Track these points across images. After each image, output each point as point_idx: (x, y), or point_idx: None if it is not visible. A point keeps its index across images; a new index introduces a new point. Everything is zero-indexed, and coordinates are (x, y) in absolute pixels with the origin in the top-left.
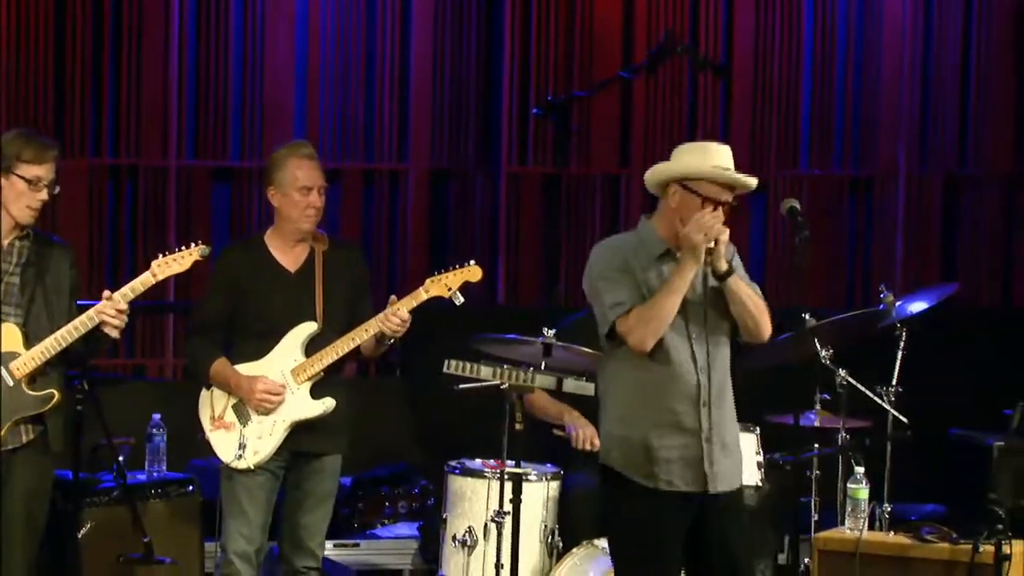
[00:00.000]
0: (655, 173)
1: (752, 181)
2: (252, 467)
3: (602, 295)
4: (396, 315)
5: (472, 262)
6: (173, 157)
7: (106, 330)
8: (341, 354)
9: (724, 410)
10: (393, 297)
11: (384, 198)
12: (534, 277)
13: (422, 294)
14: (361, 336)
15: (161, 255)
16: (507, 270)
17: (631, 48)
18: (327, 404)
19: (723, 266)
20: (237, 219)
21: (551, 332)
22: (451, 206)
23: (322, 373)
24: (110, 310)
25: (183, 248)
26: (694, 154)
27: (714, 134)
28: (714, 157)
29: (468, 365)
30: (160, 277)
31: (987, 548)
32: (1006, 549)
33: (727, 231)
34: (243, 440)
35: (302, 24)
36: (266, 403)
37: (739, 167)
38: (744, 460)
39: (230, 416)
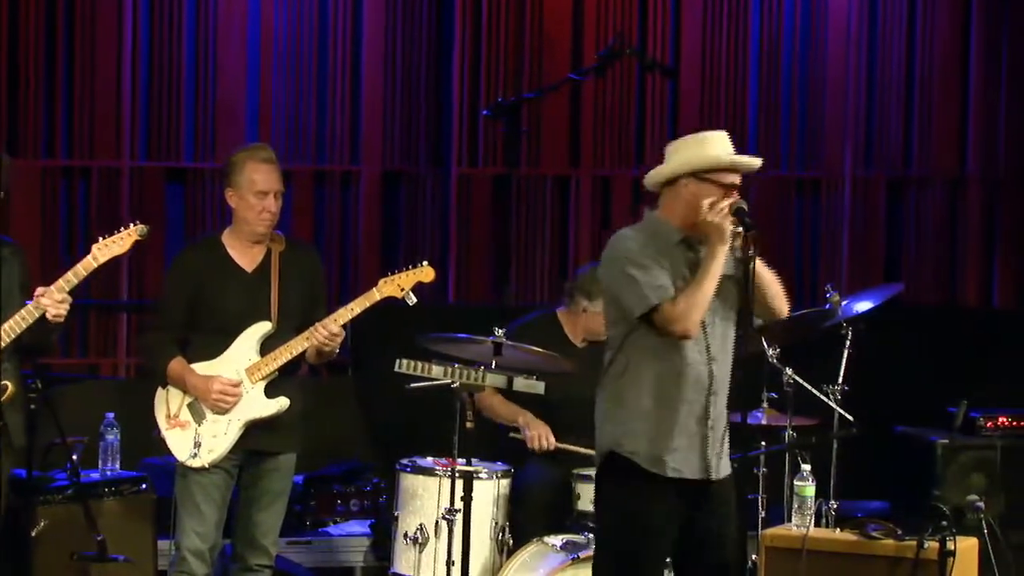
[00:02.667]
0: (664, 171)
1: (757, 162)
2: (207, 466)
3: (637, 279)
4: (325, 328)
5: (425, 263)
6: (126, 158)
7: (50, 317)
8: (295, 354)
9: (725, 399)
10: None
11: (336, 199)
12: (485, 277)
13: (375, 295)
14: (308, 340)
15: (101, 238)
16: (458, 270)
17: (580, 50)
18: (281, 403)
19: (752, 252)
20: (191, 219)
21: (501, 331)
22: (402, 207)
23: (276, 372)
24: (52, 298)
25: (122, 229)
26: (697, 146)
27: (662, 135)
28: (717, 144)
29: (419, 364)
30: (102, 260)
31: (932, 544)
32: (950, 545)
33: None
34: (198, 439)
35: (254, 25)
36: (222, 402)
37: None
38: None
39: (185, 415)
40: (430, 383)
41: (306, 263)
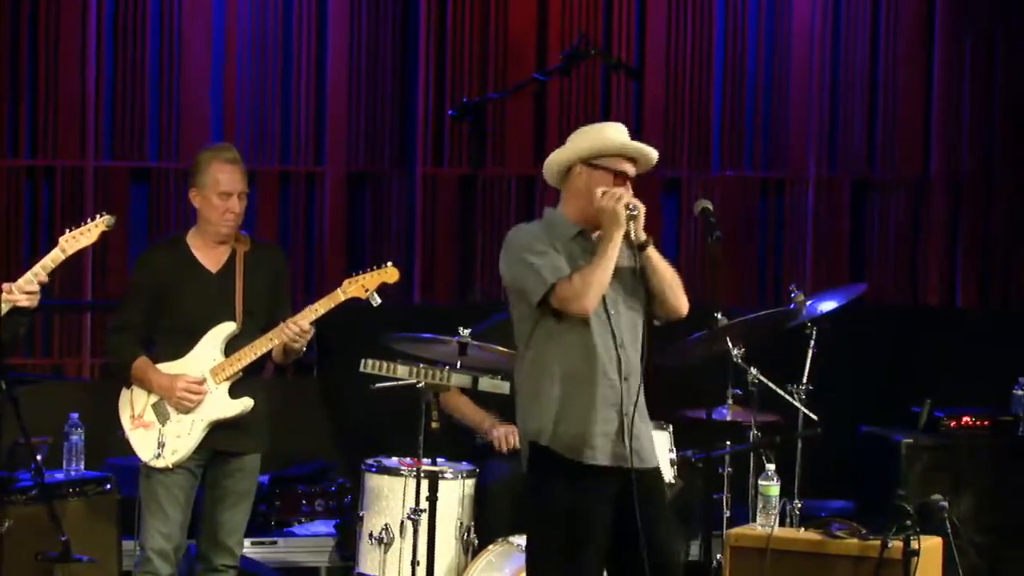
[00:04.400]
0: (558, 158)
1: (653, 153)
2: (171, 466)
3: (533, 266)
4: (296, 324)
5: (389, 263)
6: (91, 157)
7: (23, 303)
8: (259, 354)
9: (637, 384)
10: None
11: (301, 200)
12: (450, 277)
13: (340, 295)
14: (273, 339)
15: (68, 230)
16: (423, 270)
17: (545, 51)
18: (245, 403)
19: (643, 235)
20: (155, 219)
21: (467, 331)
22: (367, 207)
23: (241, 373)
24: (20, 291)
25: (89, 221)
26: (593, 133)
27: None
28: (613, 132)
29: (384, 364)
30: (70, 252)
31: (896, 544)
32: (914, 544)
33: (641, 204)
34: (162, 439)
35: (219, 25)
36: (186, 401)
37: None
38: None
39: (150, 415)
40: (395, 383)
41: (271, 263)
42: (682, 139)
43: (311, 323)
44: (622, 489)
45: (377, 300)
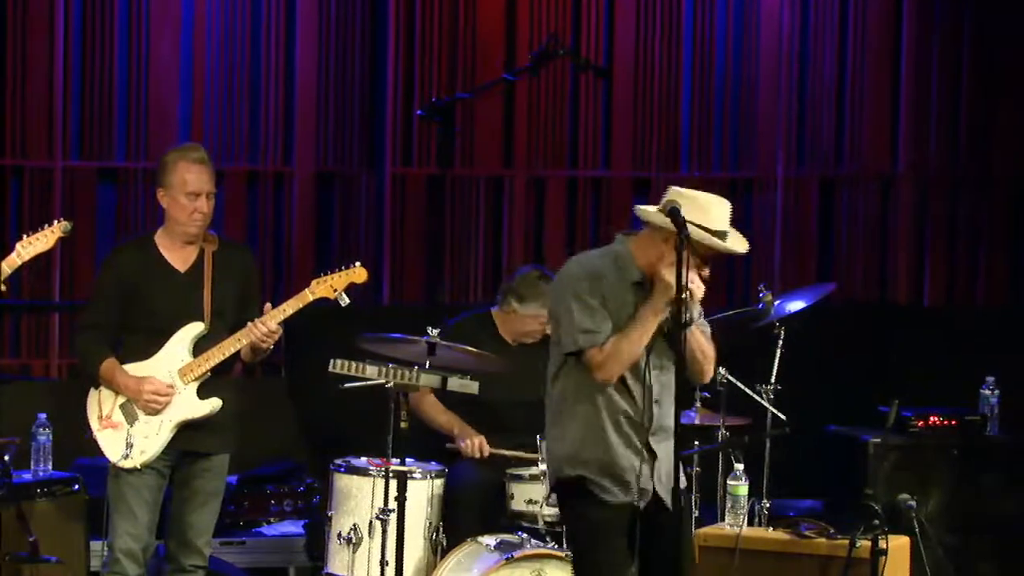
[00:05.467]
0: (656, 220)
1: (743, 248)
2: (138, 467)
3: (574, 316)
4: (264, 324)
5: (358, 263)
6: (59, 158)
7: None
8: (228, 354)
9: (669, 439)
10: (268, 305)
11: (269, 200)
12: (419, 277)
13: (308, 296)
14: (241, 340)
15: (25, 235)
16: (392, 270)
17: (514, 50)
18: (214, 404)
19: (690, 315)
20: (123, 219)
21: (436, 332)
22: (336, 207)
23: (209, 373)
24: None
25: (46, 227)
26: (700, 211)
27: (596, 135)
28: (717, 218)
29: (353, 364)
30: (26, 257)
31: (864, 543)
32: (882, 544)
33: (703, 287)
34: (130, 440)
35: (187, 25)
36: (153, 403)
37: (621, 169)
38: None
39: (117, 416)
40: (364, 383)
41: (239, 263)
42: (651, 139)
43: (279, 323)
44: (647, 530)
45: (346, 300)
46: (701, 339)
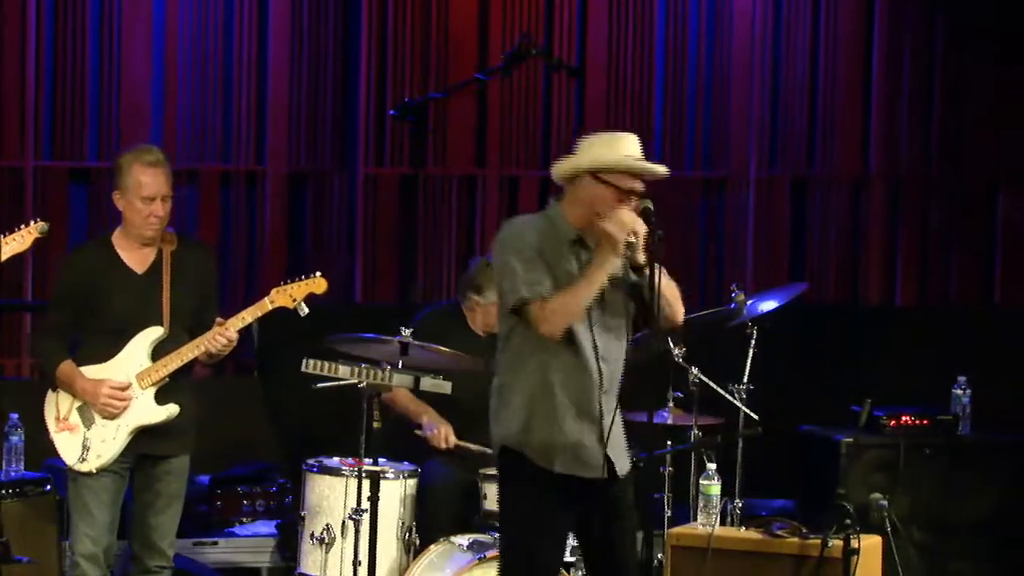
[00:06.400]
0: (566, 166)
1: (662, 169)
2: (94, 471)
3: (516, 270)
4: (223, 335)
5: (318, 273)
6: (30, 158)
7: None
8: (186, 360)
9: (615, 398)
10: (219, 320)
11: (242, 199)
12: (391, 277)
13: (267, 304)
14: (200, 347)
15: (0, 236)
16: (365, 270)
17: (486, 50)
18: (171, 410)
19: (641, 258)
20: (95, 219)
21: (408, 331)
22: (309, 207)
23: (168, 379)
24: None
25: (22, 227)
26: (604, 146)
27: (568, 135)
28: (624, 147)
29: (326, 364)
30: (2, 258)
31: (836, 542)
32: (854, 543)
33: (643, 225)
34: (87, 443)
35: (159, 24)
36: (110, 407)
37: None
38: None
39: (75, 418)
40: (337, 383)
41: (198, 263)
42: None
43: (237, 331)
44: (592, 499)
45: (305, 310)
46: (665, 279)
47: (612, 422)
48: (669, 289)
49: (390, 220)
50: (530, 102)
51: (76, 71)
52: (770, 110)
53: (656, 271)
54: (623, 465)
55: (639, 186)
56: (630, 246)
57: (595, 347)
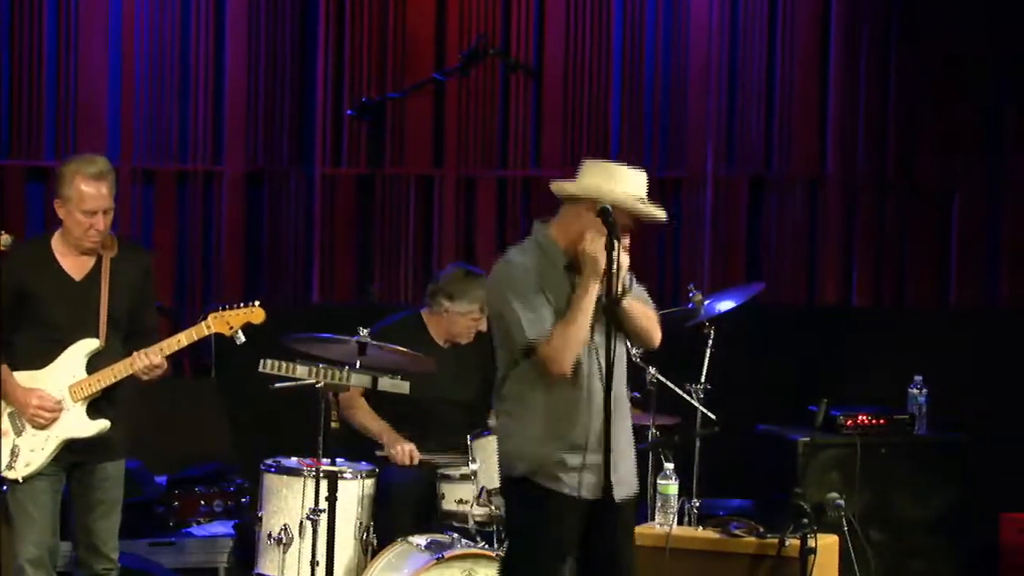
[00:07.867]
0: (570, 188)
1: (662, 215)
2: (20, 479)
3: (518, 312)
4: (148, 358)
5: (256, 303)
6: None
7: None
8: (120, 377)
9: (621, 418)
10: (156, 347)
11: (198, 199)
12: (349, 277)
13: (204, 329)
14: (133, 365)
15: None
16: (322, 270)
17: (444, 50)
18: (102, 425)
19: (619, 290)
20: (52, 218)
21: (366, 331)
22: (265, 207)
23: (100, 393)
24: None
25: None
26: (613, 180)
27: (525, 135)
28: (632, 186)
29: (283, 364)
30: None
31: (793, 542)
32: (811, 543)
33: (627, 258)
34: (16, 450)
35: (116, 24)
36: (39, 419)
37: (551, 169)
38: None
39: (5, 424)
40: (295, 383)
41: (137, 266)
42: (581, 139)
43: (171, 353)
44: (595, 518)
45: (241, 338)
46: (640, 305)
47: (616, 443)
48: (644, 316)
49: (347, 220)
50: (487, 102)
51: (33, 70)
52: (727, 110)
53: (616, 278)
54: (628, 485)
55: (633, 226)
56: (609, 275)
57: (600, 372)
